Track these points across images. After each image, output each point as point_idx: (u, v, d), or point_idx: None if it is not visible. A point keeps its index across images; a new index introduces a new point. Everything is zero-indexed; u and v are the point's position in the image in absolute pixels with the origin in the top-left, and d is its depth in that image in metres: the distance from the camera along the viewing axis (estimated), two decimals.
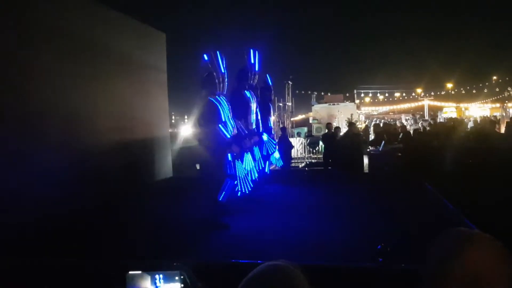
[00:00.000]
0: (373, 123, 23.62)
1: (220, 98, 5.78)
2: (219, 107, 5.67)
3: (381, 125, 17.73)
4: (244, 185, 6.13)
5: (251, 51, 6.92)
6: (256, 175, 6.81)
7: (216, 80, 5.72)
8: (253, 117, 6.83)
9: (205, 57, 5.78)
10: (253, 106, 6.81)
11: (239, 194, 6.18)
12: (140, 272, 1.97)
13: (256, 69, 7.01)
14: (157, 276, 1.97)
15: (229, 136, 5.72)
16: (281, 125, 21.06)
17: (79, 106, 6.74)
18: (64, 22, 6.49)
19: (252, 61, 6.93)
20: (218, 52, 5.80)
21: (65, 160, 6.03)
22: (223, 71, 5.83)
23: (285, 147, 10.88)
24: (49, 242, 4.27)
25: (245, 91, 6.68)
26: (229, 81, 6.13)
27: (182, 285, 1.96)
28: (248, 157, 6.49)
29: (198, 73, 5.95)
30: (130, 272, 1.97)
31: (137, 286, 1.96)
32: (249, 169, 6.46)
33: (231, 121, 5.93)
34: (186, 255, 4.27)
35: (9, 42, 5.43)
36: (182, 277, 1.95)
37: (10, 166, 4.98)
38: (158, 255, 4.07)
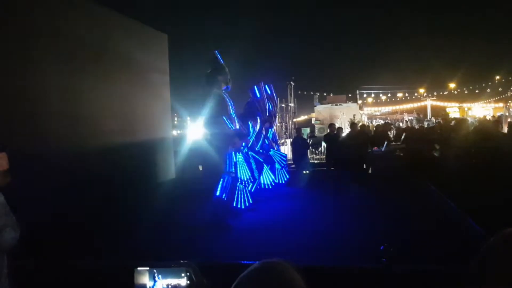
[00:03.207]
0: (375, 123, 23.64)
1: (225, 93, 5.86)
2: (227, 101, 5.76)
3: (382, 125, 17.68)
4: (247, 181, 6.12)
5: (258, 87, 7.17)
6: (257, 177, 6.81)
7: (221, 77, 5.84)
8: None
9: (216, 54, 5.94)
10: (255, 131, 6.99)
11: (244, 189, 6.15)
12: (148, 268, 2.03)
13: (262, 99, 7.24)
14: (162, 273, 2.05)
15: (233, 128, 5.78)
16: (283, 126, 21.07)
17: (82, 108, 6.76)
18: (68, 25, 6.51)
19: (258, 95, 7.17)
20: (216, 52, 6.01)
21: (68, 161, 6.05)
22: (226, 68, 5.96)
23: (300, 148, 10.86)
24: (52, 242, 4.27)
25: (249, 122, 6.81)
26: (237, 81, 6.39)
27: (188, 282, 2.02)
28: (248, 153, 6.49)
29: (202, 72, 6.06)
30: (138, 268, 2.03)
31: (144, 283, 2.03)
32: (251, 168, 6.44)
33: (235, 118, 6.00)
34: (188, 254, 4.27)
35: (13, 45, 5.46)
36: (188, 274, 2.01)
37: (15, 166, 4.99)
38: (161, 254, 4.08)
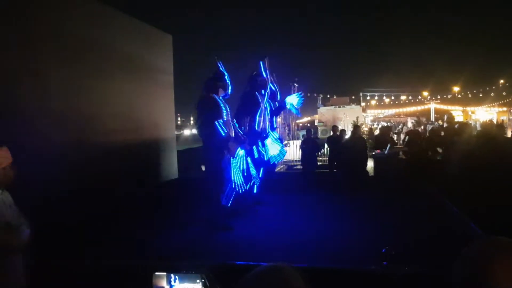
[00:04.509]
0: (379, 125, 23.62)
1: (221, 99, 5.83)
2: (221, 104, 5.72)
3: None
4: (239, 185, 6.02)
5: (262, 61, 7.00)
6: (255, 174, 6.72)
7: (220, 83, 5.82)
8: (260, 118, 6.80)
9: (216, 59, 5.92)
10: (262, 108, 6.82)
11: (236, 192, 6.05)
12: (165, 273, 2.10)
13: (266, 75, 7.07)
14: (177, 278, 2.13)
15: (224, 134, 5.70)
16: (286, 127, 21.03)
17: (86, 107, 6.80)
18: (72, 24, 6.55)
19: (264, 73, 6.99)
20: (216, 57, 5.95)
21: (71, 160, 6.08)
22: (226, 75, 5.94)
23: (311, 149, 10.70)
24: (54, 244, 4.30)
25: (257, 93, 6.70)
26: (237, 84, 6.27)
27: None
28: (243, 156, 6.35)
29: (205, 75, 6.04)
30: (156, 273, 2.10)
31: (161, 286, 2.10)
32: (244, 168, 6.33)
33: (230, 122, 5.93)
34: (188, 256, 4.30)
35: (17, 44, 5.50)
36: (203, 280, 2.07)
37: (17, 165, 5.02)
38: (161, 256, 4.10)
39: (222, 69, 5.96)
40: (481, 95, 39.18)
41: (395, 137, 17.56)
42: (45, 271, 3.10)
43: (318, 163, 14.63)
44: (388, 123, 27.62)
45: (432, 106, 37.25)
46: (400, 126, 26.84)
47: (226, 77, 5.94)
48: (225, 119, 5.73)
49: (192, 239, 5.07)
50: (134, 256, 3.93)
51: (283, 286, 0.99)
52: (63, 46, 6.31)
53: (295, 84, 24.03)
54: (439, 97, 39.33)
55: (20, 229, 2.45)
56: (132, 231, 5.16)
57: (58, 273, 3.09)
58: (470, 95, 39.53)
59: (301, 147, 11.23)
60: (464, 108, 36.89)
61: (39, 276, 2.74)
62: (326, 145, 14.56)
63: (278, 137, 7.47)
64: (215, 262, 3.05)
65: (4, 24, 5.28)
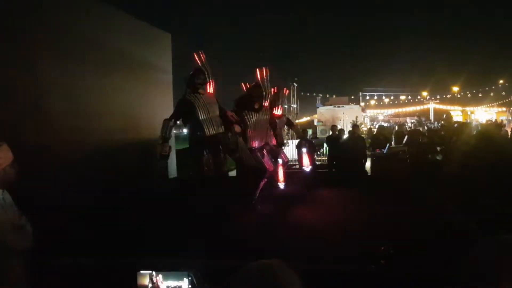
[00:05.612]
0: (377, 125, 23.63)
1: (200, 96, 5.70)
2: (195, 104, 5.60)
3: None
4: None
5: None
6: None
7: (197, 80, 5.68)
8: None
9: (197, 56, 5.76)
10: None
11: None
12: (150, 271, 2.06)
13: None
14: (160, 275, 2.06)
15: (202, 134, 5.63)
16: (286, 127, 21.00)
17: (83, 106, 6.77)
18: (71, 23, 6.53)
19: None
20: (200, 51, 5.77)
21: (68, 159, 6.06)
22: (207, 70, 5.79)
23: (308, 150, 10.64)
24: (55, 240, 4.27)
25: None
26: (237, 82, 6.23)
27: (190, 286, 2.05)
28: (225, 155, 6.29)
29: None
30: (141, 272, 2.06)
31: (145, 284, 2.06)
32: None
33: (211, 120, 5.78)
34: (185, 254, 4.27)
35: (18, 43, 5.48)
36: (190, 278, 2.03)
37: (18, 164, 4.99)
38: (159, 253, 4.08)
39: (201, 64, 5.75)
40: (480, 95, 39.22)
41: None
42: (36, 270, 3.09)
43: (318, 163, 14.62)
44: (388, 124, 27.63)
45: (432, 106, 37.29)
46: (397, 128, 26.83)
47: (205, 73, 5.73)
48: (201, 118, 5.60)
49: (188, 238, 5.04)
50: (122, 254, 3.90)
51: (274, 281, 0.98)
52: (61, 44, 6.29)
53: (294, 83, 24.06)
54: (438, 97, 39.37)
55: (24, 229, 2.44)
56: (124, 229, 5.14)
57: (46, 272, 3.07)
58: (469, 95, 39.56)
59: (297, 147, 11.24)
60: (464, 108, 36.91)
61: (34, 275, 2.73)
62: (325, 145, 14.55)
63: None
64: (204, 260, 3.04)
65: (4, 23, 5.27)
